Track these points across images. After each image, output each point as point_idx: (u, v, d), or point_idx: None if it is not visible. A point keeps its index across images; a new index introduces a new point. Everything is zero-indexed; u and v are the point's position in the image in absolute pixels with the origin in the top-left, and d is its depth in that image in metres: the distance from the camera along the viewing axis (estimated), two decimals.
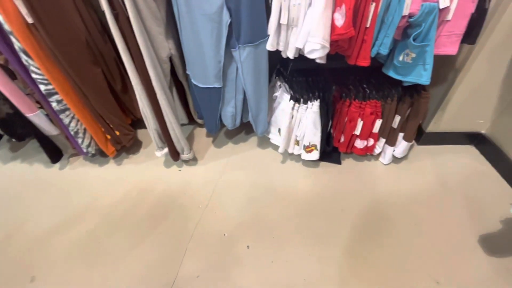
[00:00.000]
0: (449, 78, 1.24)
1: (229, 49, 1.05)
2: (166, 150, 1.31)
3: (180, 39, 1.08)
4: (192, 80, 1.19)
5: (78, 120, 1.22)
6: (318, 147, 1.26)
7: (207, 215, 1.19)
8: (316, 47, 0.88)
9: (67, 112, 1.17)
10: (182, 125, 1.65)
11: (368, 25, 0.89)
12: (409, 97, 1.14)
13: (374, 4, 0.85)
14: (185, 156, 1.34)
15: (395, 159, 1.37)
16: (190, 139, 1.60)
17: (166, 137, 1.24)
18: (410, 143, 1.26)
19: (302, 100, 1.16)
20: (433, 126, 1.39)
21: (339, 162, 1.39)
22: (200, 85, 1.16)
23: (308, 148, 1.27)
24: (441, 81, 1.27)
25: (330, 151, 1.35)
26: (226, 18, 0.95)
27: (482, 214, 1.15)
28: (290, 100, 1.17)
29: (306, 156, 1.30)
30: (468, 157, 1.40)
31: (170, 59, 1.17)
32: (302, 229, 1.12)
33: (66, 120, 1.18)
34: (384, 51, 0.94)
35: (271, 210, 1.19)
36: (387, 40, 0.92)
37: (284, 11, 0.87)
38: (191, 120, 1.61)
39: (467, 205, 1.18)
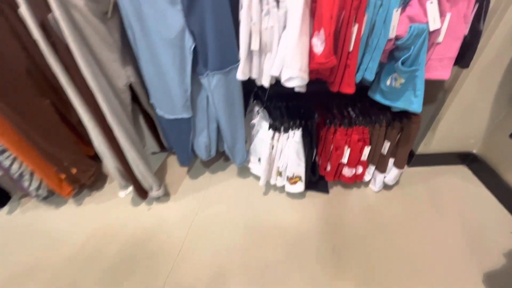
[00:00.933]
0: (439, 98, 1.16)
1: (196, 76, 0.92)
2: (130, 189, 1.15)
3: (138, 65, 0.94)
4: (158, 111, 1.04)
5: (22, 161, 1.03)
6: (303, 178, 1.13)
7: (181, 263, 1.03)
8: (293, 75, 0.76)
9: (6, 154, 0.99)
10: (153, 153, 1.49)
11: (351, 49, 0.78)
12: (398, 121, 1.04)
13: (357, 25, 0.74)
14: (154, 193, 1.18)
15: (386, 185, 1.27)
16: (162, 169, 1.44)
17: (129, 175, 1.08)
18: (402, 170, 1.16)
19: (282, 128, 1.04)
20: (424, 148, 1.30)
21: (326, 191, 1.27)
22: (167, 116, 1.02)
23: (292, 180, 1.14)
24: (430, 101, 1.19)
25: (316, 180, 1.23)
26: (189, 43, 0.82)
27: (483, 246, 1.05)
28: (269, 129, 1.05)
29: (290, 188, 1.17)
30: (461, 178, 1.32)
31: (131, 87, 1.02)
32: (293, 276, 0.98)
33: (6, 163, 1.00)
34: (370, 76, 0.84)
35: (255, 253, 1.05)
36: (372, 65, 0.82)
37: (254, 36, 0.75)
38: (163, 148, 1.45)
39: (465, 236, 1.09)
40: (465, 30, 0.74)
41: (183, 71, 0.88)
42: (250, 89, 1.16)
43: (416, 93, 0.84)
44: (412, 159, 1.33)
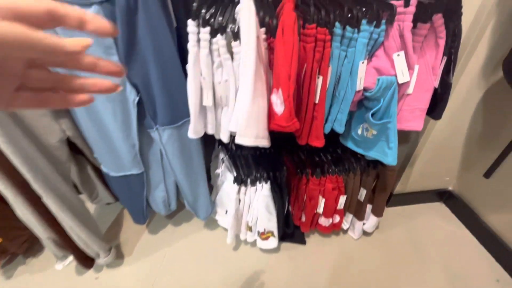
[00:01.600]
0: (413, 137, 1.12)
1: (145, 129, 0.80)
2: (70, 259, 0.96)
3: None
4: (102, 167, 0.89)
5: None
6: (276, 233, 1.01)
7: None
8: (249, 144, 0.66)
9: None
10: (107, 204, 1.30)
11: (317, 101, 0.70)
12: (373, 168, 0.97)
13: (321, 78, 0.67)
14: (101, 261, 0.99)
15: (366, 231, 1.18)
16: (116, 224, 1.25)
17: (67, 245, 0.89)
18: (381, 218, 1.08)
19: (249, 181, 0.92)
20: (400, 187, 1.24)
21: (303, 242, 1.15)
22: (113, 174, 0.87)
23: (264, 235, 1.02)
24: (405, 140, 1.15)
25: (291, 231, 1.11)
26: (132, 96, 0.70)
27: None
28: (234, 182, 0.93)
29: (262, 244, 1.04)
30: (441, 217, 1.27)
31: (69, 140, 0.87)
32: None
33: None
34: (340, 128, 0.76)
35: None
36: (341, 116, 0.74)
37: (206, 92, 0.65)
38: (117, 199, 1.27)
39: (450, 282, 1.00)
40: (434, 82, 0.69)
41: (127, 127, 0.75)
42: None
43: (389, 145, 0.77)
44: (390, 199, 1.27)
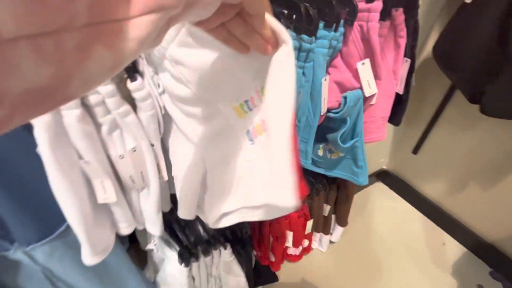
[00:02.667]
0: None
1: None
2: None
3: None
4: None
5: None
6: None
7: None
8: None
9: None
10: None
11: None
12: (333, 182, 0.87)
13: None
14: None
15: None
16: None
17: None
18: (346, 226, 1.02)
19: (200, 252, 0.67)
20: None
21: (275, 279, 0.99)
22: None
23: None
24: None
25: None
26: None
27: (429, 263, 1.05)
28: (180, 263, 0.65)
29: None
30: (382, 196, 1.33)
31: None
32: None
33: None
34: (305, 162, 0.59)
35: None
36: (305, 147, 0.58)
37: (99, 181, 0.35)
38: None
39: (408, 254, 1.07)
40: (396, 87, 0.59)
41: None
42: None
43: (358, 164, 0.66)
44: None
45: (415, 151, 1.18)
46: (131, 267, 0.61)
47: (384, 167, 1.36)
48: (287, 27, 0.43)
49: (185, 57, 0.31)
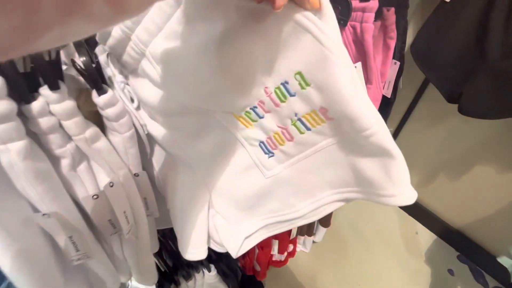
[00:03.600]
0: None
1: None
2: None
3: None
4: None
5: None
6: None
7: None
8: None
9: None
10: None
11: None
12: None
13: None
14: None
15: None
16: None
17: None
18: (329, 227, 1.01)
19: (181, 277, 0.60)
20: None
21: (261, 286, 0.96)
22: None
23: None
24: None
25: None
26: None
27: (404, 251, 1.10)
28: None
29: None
30: None
31: None
32: None
33: None
34: None
35: None
36: None
37: (65, 241, 0.27)
38: None
39: (385, 247, 1.11)
40: (383, 90, 0.57)
41: None
42: None
43: None
44: None
45: None
46: None
47: None
48: None
49: (173, 52, 0.23)
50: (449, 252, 1.13)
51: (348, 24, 0.43)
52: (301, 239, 0.99)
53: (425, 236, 1.18)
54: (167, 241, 0.66)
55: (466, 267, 1.08)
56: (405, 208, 1.26)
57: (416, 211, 1.22)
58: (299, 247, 1.01)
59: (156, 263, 0.61)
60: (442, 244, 1.16)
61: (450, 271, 1.06)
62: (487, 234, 1.04)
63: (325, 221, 0.98)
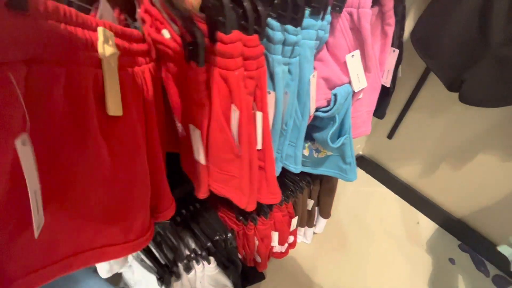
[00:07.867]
0: None
1: None
2: None
3: None
4: None
5: None
6: None
7: None
8: None
9: None
10: None
11: (260, 147, 0.44)
12: (316, 177, 0.84)
13: (260, 113, 0.41)
14: None
15: None
16: None
17: None
18: (329, 217, 1.01)
19: (181, 268, 0.61)
20: None
21: (262, 278, 0.97)
22: None
23: None
24: None
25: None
26: None
27: (407, 242, 1.10)
28: (160, 285, 0.59)
29: None
30: (360, 181, 1.35)
31: None
32: None
33: None
34: (295, 167, 0.55)
35: None
36: (294, 151, 0.53)
37: None
38: None
39: (388, 237, 1.11)
40: (382, 79, 0.56)
41: None
42: None
43: (346, 161, 0.63)
44: None
45: (390, 135, 1.19)
46: None
47: (360, 153, 1.37)
48: (267, 15, 0.36)
49: None
50: (450, 241, 1.13)
51: (344, 10, 0.41)
52: (301, 230, 0.99)
53: (427, 226, 1.18)
54: (167, 235, 0.66)
55: (467, 255, 1.08)
56: (407, 198, 1.26)
57: (417, 200, 1.22)
58: (299, 238, 1.01)
59: (156, 256, 0.61)
60: (444, 233, 1.16)
61: (452, 260, 1.06)
62: (488, 223, 1.04)
63: (326, 212, 0.98)
